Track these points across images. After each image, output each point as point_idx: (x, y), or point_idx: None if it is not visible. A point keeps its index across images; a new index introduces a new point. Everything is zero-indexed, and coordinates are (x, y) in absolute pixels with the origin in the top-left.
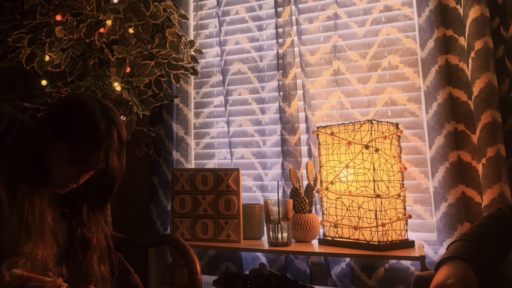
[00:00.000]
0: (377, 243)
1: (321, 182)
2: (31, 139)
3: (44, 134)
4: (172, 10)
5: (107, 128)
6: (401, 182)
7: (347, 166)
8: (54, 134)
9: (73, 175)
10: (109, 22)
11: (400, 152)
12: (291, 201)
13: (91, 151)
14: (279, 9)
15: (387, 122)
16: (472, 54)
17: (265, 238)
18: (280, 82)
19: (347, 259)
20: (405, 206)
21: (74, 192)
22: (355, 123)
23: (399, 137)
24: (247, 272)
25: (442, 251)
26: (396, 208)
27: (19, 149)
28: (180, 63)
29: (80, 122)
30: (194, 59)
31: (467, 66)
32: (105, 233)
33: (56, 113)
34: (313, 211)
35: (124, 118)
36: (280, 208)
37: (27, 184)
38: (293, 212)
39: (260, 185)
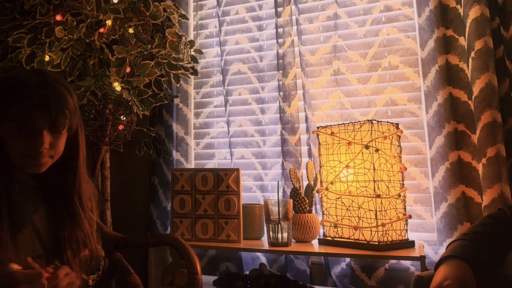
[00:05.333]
0: (377, 243)
1: (321, 182)
2: None
3: None
4: (172, 10)
5: (40, 78)
6: (401, 182)
7: (347, 166)
8: None
9: (31, 139)
10: (109, 22)
11: (400, 152)
12: (291, 201)
13: (28, 106)
14: (279, 9)
15: (387, 122)
16: (472, 54)
17: (265, 238)
18: (280, 82)
19: (347, 259)
20: (405, 206)
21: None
22: (355, 123)
23: (399, 137)
24: (247, 272)
25: (442, 251)
26: (396, 208)
27: None
28: (180, 63)
29: (9, 86)
30: (194, 59)
31: (467, 66)
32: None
33: None
34: (313, 211)
35: (124, 118)
36: (280, 208)
37: None
38: (293, 212)
39: (260, 185)
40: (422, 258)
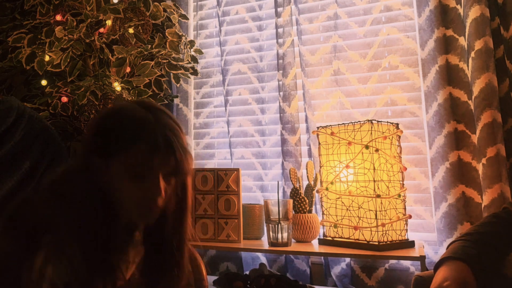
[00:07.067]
0: (377, 243)
1: (321, 182)
2: (82, 179)
3: (93, 164)
4: (172, 10)
5: (155, 116)
6: (401, 182)
7: (347, 166)
8: (103, 157)
9: (147, 188)
10: (109, 22)
11: (400, 152)
12: (291, 201)
13: (149, 149)
14: (279, 9)
15: (387, 122)
16: (472, 54)
17: (265, 238)
18: (280, 82)
19: (347, 259)
20: (405, 206)
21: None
22: (355, 123)
23: (399, 137)
24: (247, 272)
25: (442, 251)
26: (396, 208)
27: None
28: (180, 63)
29: (122, 126)
30: (194, 59)
31: (467, 66)
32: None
33: (94, 133)
34: (313, 211)
35: None
36: (280, 208)
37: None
38: (293, 212)
39: (260, 185)
40: (422, 258)
